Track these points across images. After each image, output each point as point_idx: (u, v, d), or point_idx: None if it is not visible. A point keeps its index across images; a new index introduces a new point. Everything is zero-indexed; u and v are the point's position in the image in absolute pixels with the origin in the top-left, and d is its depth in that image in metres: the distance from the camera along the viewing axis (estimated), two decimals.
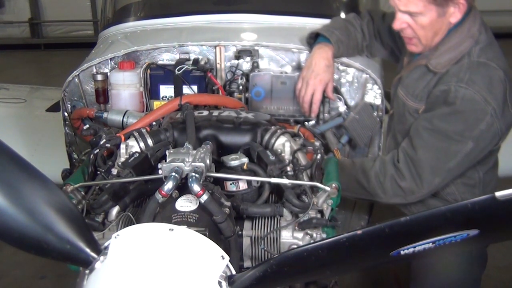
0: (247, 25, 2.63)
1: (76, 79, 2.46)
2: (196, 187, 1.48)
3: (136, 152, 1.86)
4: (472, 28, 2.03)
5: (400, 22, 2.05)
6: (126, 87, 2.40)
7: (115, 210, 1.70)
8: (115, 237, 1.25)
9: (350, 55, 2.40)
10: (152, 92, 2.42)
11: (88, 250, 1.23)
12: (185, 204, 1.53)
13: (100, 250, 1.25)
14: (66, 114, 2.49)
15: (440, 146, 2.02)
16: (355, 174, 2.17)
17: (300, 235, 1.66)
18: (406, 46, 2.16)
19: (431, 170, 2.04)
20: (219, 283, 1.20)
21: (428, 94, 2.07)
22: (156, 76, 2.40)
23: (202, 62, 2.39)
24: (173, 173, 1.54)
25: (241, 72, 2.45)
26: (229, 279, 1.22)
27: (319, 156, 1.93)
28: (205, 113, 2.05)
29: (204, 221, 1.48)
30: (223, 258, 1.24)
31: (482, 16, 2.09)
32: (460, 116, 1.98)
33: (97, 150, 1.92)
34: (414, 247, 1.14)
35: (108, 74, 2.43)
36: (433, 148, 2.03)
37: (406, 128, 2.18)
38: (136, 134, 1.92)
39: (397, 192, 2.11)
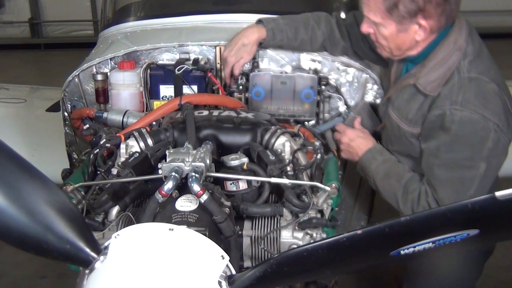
0: (247, 25, 2.63)
1: (76, 79, 2.45)
2: (196, 187, 1.48)
3: (136, 152, 1.86)
4: (458, 39, 1.90)
5: (366, 26, 1.98)
6: (126, 87, 2.40)
7: (115, 210, 1.70)
8: (115, 237, 1.25)
9: (299, 48, 2.37)
10: (152, 92, 2.41)
11: (88, 250, 1.23)
12: (185, 204, 1.53)
13: (100, 250, 1.25)
14: (66, 114, 2.49)
15: (454, 178, 1.93)
16: (397, 189, 2.07)
17: (300, 235, 1.66)
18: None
19: None
20: (219, 283, 1.20)
21: (423, 118, 1.98)
22: (156, 76, 2.40)
23: (202, 62, 2.39)
24: (173, 173, 1.54)
25: (241, 72, 2.45)
26: (229, 279, 1.22)
27: (319, 156, 1.94)
28: (205, 113, 2.05)
29: (204, 221, 1.48)
30: (223, 258, 1.24)
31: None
32: (463, 140, 1.88)
33: (97, 150, 1.93)
34: (414, 247, 1.14)
35: (108, 74, 2.43)
36: (449, 183, 1.94)
37: (404, 151, 2.11)
38: (136, 134, 1.92)
39: None
